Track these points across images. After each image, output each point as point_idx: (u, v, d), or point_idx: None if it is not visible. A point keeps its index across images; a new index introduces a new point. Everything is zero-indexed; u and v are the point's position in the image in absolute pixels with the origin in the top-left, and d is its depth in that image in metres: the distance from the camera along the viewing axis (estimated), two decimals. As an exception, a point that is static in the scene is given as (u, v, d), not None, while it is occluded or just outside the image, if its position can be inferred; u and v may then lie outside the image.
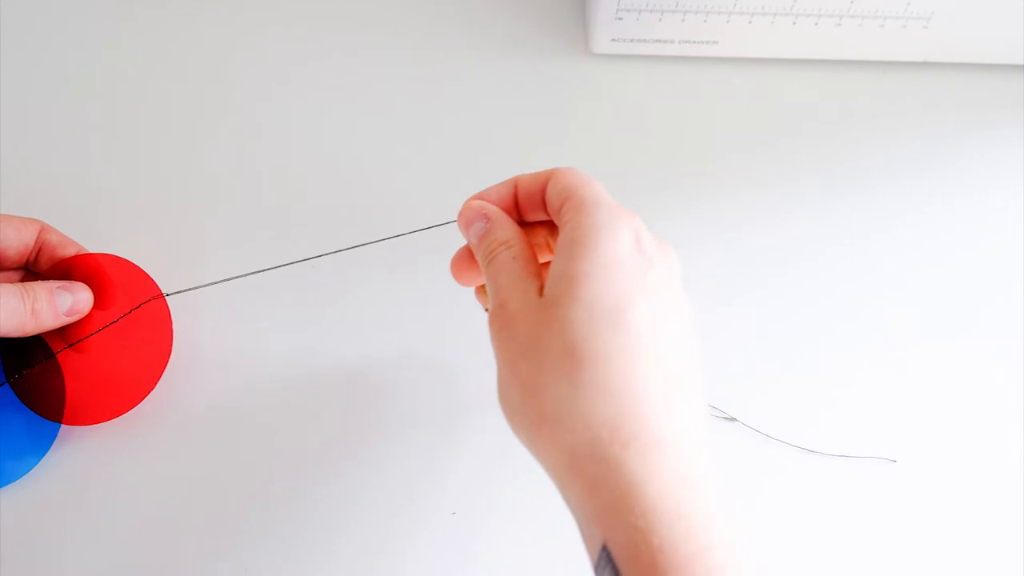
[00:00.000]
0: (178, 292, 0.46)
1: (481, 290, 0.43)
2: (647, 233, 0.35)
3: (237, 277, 0.46)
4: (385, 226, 0.51)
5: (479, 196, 0.39)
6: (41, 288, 0.42)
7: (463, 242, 0.41)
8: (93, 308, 0.44)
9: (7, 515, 0.44)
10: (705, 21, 0.53)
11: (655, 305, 0.33)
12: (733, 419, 0.47)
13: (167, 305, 0.46)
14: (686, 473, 0.31)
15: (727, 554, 0.30)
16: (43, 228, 0.45)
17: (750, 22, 0.53)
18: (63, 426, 0.44)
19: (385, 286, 0.49)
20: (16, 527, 0.44)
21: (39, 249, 0.45)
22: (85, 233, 0.47)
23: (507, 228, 0.37)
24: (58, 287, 0.42)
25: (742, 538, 0.31)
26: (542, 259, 0.39)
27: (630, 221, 0.35)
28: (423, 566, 0.44)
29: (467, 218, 0.38)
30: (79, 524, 0.44)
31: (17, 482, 0.44)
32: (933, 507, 0.46)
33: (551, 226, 0.39)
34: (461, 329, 0.49)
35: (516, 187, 0.39)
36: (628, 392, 0.32)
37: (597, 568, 0.31)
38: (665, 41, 0.54)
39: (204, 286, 0.46)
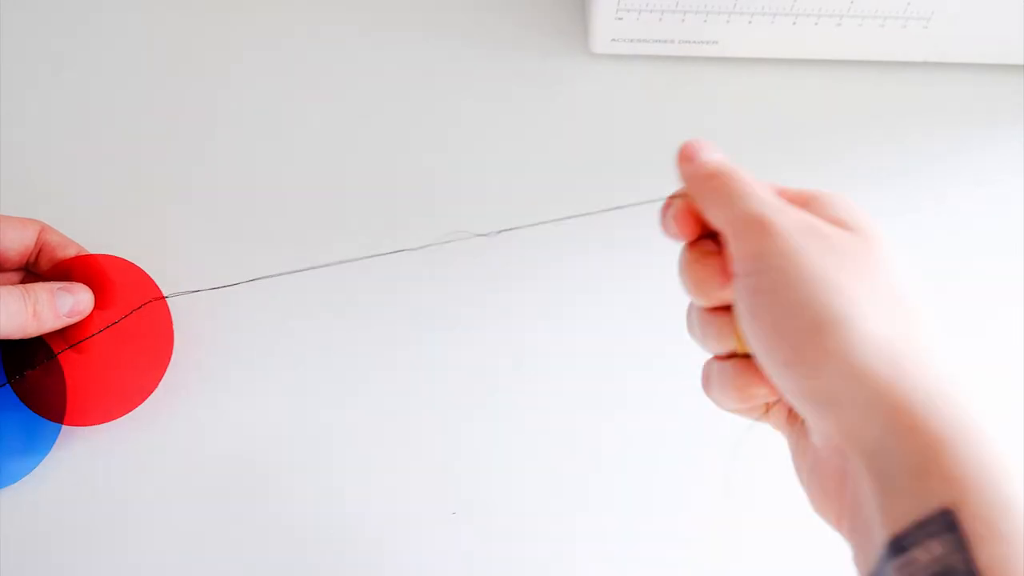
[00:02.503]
0: (179, 294, 0.46)
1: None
2: None
3: (239, 283, 0.46)
4: (385, 226, 0.51)
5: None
6: (42, 290, 0.42)
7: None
8: (94, 309, 0.44)
9: (8, 515, 0.44)
10: (705, 21, 0.53)
11: None
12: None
13: (168, 306, 0.46)
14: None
15: None
16: (43, 229, 0.45)
17: (750, 22, 0.53)
18: (64, 427, 0.44)
19: (386, 286, 0.49)
20: (16, 527, 0.44)
21: (39, 250, 0.45)
22: (85, 234, 0.47)
23: None
24: (59, 288, 0.42)
25: None
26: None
27: None
28: (423, 566, 0.44)
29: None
30: (79, 525, 0.44)
31: (18, 483, 0.44)
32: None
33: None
34: (461, 329, 0.49)
35: None
36: None
37: (906, 544, 0.26)
38: (665, 41, 0.54)
39: (206, 290, 0.46)
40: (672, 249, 0.49)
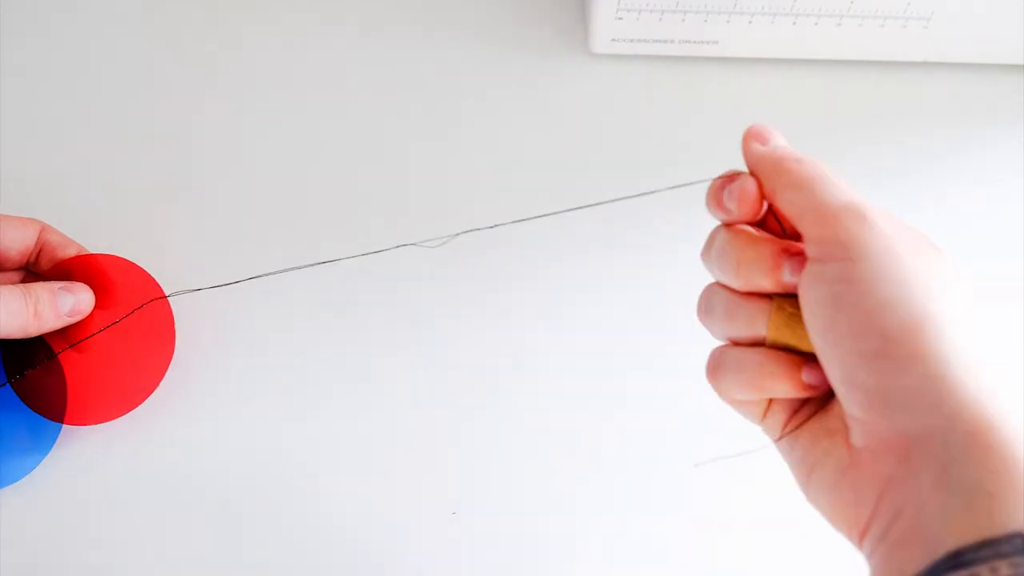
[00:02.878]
0: (181, 292, 0.46)
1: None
2: None
3: (241, 281, 0.46)
4: (384, 226, 0.51)
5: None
6: (43, 289, 0.42)
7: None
8: (95, 308, 0.44)
9: (8, 515, 0.44)
10: (705, 21, 0.53)
11: None
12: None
13: (169, 306, 0.46)
14: None
15: None
16: (44, 228, 0.45)
17: (750, 22, 0.53)
18: (64, 426, 0.44)
19: (386, 285, 0.49)
20: (17, 527, 0.44)
21: (40, 249, 0.45)
22: (86, 233, 0.47)
23: None
24: (60, 288, 0.42)
25: None
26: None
27: None
28: (423, 566, 0.44)
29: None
30: (80, 524, 0.44)
31: (18, 482, 0.44)
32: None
33: None
34: (461, 328, 0.49)
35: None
36: None
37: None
38: (665, 41, 0.54)
39: (207, 288, 0.46)
40: (671, 248, 0.49)
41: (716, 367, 0.34)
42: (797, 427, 0.33)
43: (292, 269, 0.46)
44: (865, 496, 0.30)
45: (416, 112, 0.54)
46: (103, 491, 0.45)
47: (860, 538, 0.30)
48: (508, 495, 0.45)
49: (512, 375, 0.48)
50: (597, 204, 0.41)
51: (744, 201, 0.34)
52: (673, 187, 0.37)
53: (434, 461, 0.46)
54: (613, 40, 0.54)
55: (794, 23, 0.53)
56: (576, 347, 0.48)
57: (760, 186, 0.33)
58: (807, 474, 0.32)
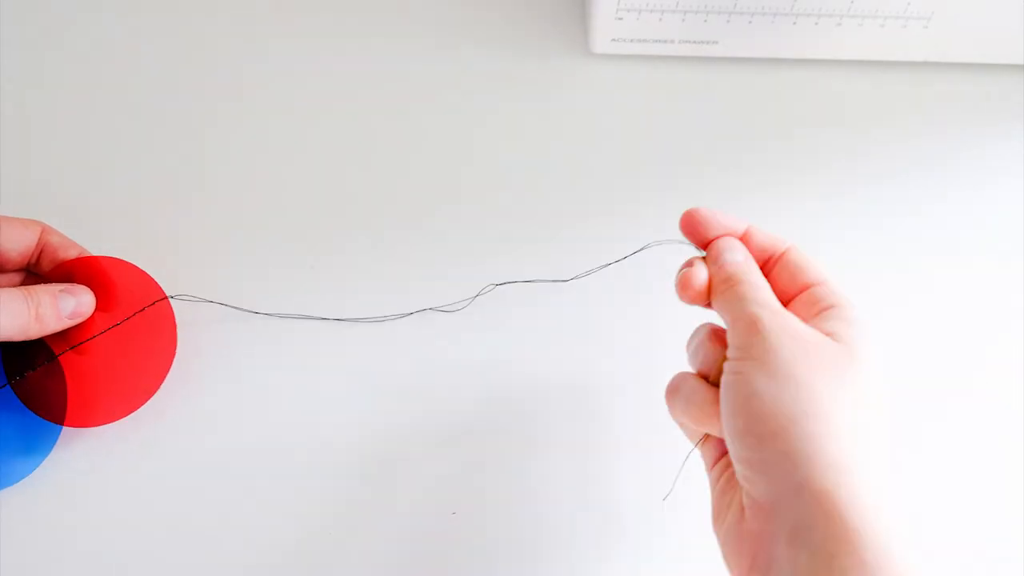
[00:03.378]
0: (183, 297, 0.46)
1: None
2: None
3: (246, 310, 0.46)
4: (384, 225, 0.51)
5: (711, 217, 0.41)
6: (44, 292, 0.42)
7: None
8: (96, 310, 0.44)
9: (8, 517, 0.44)
10: (705, 21, 0.53)
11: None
12: None
13: (171, 308, 0.46)
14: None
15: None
16: (45, 230, 0.45)
17: (750, 22, 0.53)
18: (65, 428, 0.44)
19: (386, 287, 0.49)
20: (17, 529, 0.44)
21: (41, 251, 0.45)
22: (87, 235, 0.47)
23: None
24: (61, 290, 0.42)
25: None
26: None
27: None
28: (423, 566, 0.44)
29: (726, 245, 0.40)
30: (80, 526, 0.44)
31: (18, 484, 0.44)
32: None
33: None
34: (462, 329, 0.49)
35: (746, 234, 0.41)
36: None
37: None
38: (665, 41, 0.54)
39: (211, 302, 0.46)
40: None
41: (673, 390, 0.40)
42: (718, 464, 0.39)
43: (299, 317, 0.47)
44: (745, 548, 0.35)
45: (416, 112, 0.54)
46: (103, 493, 0.45)
47: None
48: (508, 495, 0.45)
49: (513, 375, 0.48)
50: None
51: (691, 298, 0.40)
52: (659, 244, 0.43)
53: (434, 461, 0.46)
54: (613, 40, 0.54)
55: (794, 23, 0.53)
56: (576, 347, 0.49)
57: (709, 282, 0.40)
58: (716, 514, 0.38)
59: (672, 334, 0.43)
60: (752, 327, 0.36)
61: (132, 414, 0.45)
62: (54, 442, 0.44)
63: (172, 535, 0.44)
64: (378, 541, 0.44)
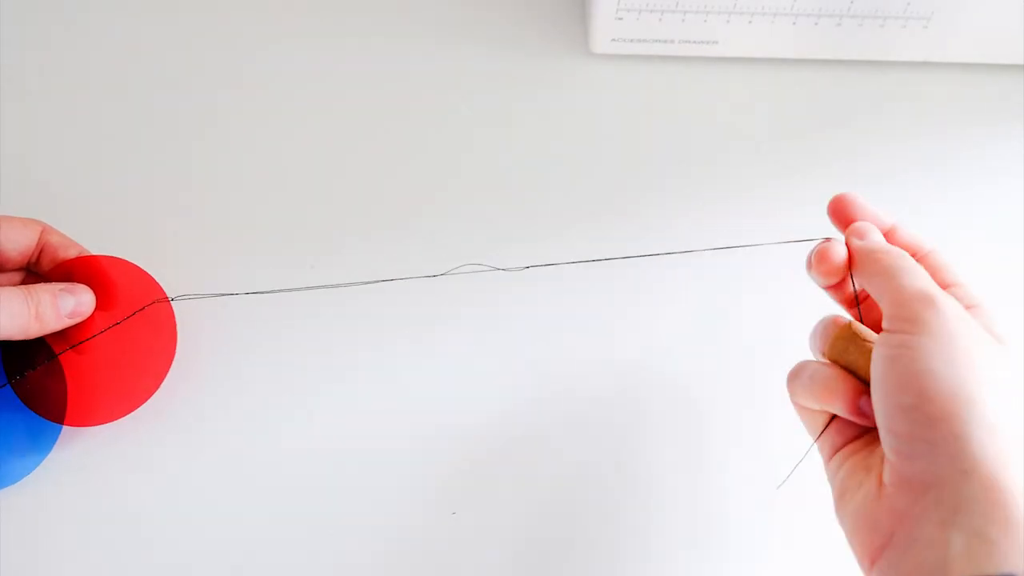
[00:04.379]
0: (184, 297, 0.46)
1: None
2: None
3: (245, 293, 0.46)
4: (383, 225, 0.51)
5: (864, 206, 0.42)
6: (44, 291, 0.42)
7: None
8: (96, 310, 0.44)
9: (8, 516, 0.44)
10: (705, 21, 0.53)
11: None
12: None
13: (171, 308, 0.46)
14: None
15: None
16: (45, 229, 0.45)
17: (750, 22, 0.53)
18: (65, 428, 0.44)
19: (387, 290, 0.49)
20: (17, 528, 0.44)
21: (41, 250, 0.45)
22: (87, 235, 0.47)
23: None
24: (61, 290, 0.42)
25: None
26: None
27: None
28: (423, 566, 0.44)
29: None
30: (80, 526, 0.44)
31: (18, 483, 0.44)
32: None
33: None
34: (463, 332, 0.49)
35: (892, 229, 0.41)
36: None
37: None
38: (665, 41, 0.54)
39: (210, 296, 0.46)
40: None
41: (795, 373, 0.40)
42: (840, 452, 0.39)
43: (294, 289, 0.46)
44: (881, 525, 0.34)
45: (416, 112, 0.54)
46: (103, 492, 0.45)
47: (871, 564, 0.35)
48: (508, 495, 0.45)
49: (513, 377, 0.48)
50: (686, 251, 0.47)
51: (828, 275, 0.40)
52: (778, 242, 0.44)
53: (434, 461, 0.46)
54: (613, 40, 0.54)
55: (794, 23, 0.53)
56: (577, 348, 0.49)
57: (849, 256, 0.40)
58: (840, 496, 0.37)
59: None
60: (927, 300, 0.36)
61: (132, 413, 0.45)
62: (54, 441, 0.44)
63: (172, 535, 0.44)
64: (378, 541, 0.45)
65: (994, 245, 0.52)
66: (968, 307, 0.38)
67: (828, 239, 0.41)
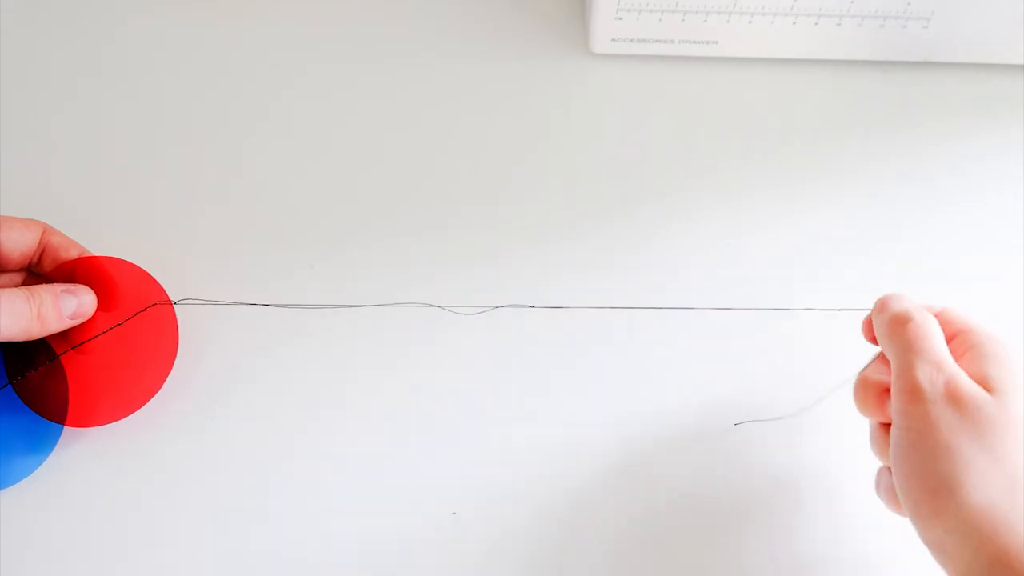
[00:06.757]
0: (186, 302, 0.46)
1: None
2: None
3: (249, 304, 0.46)
4: (384, 225, 0.51)
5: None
6: (46, 292, 0.42)
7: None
8: (97, 311, 0.44)
9: (9, 516, 0.44)
10: (705, 21, 0.53)
11: None
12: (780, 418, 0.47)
13: (173, 310, 0.46)
14: None
15: None
16: (46, 230, 0.45)
17: (750, 22, 0.53)
18: (66, 428, 0.44)
19: (382, 288, 0.50)
20: (18, 528, 0.44)
21: (42, 251, 0.45)
22: (88, 235, 0.47)
23: None
24: (63, 291, 0.42)
25: None
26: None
27: None
28: (423, 566, 0.44)
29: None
30: (81, 526, 0.44)
31: (19, 484, 0.44)
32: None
33: None
34: (463, 335, 0.49)
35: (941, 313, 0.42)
36: None
37: None
38: (665, 41, 0.54)
39: (213, 303, 0.46)
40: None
41: (856, 389, 0.43)
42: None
43: (296, 306, 0.47)
44: None
45: (416, 112, 0.54)
46: (104, 493, 0.45)
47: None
48: (508, 495, 0.46)
49: (513, 378, 0.48)
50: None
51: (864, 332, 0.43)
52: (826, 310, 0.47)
53: (434, 461, 0.46)
54: (613, 40, 0.54)
55: (794, 23, 0.53)
56: (577, 350, 0.49)
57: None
58: None
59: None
60: (913, 394, 0.38)
61: (133, 414, 0.45)
62: (55, 442, 0.44)
63: (172, 535, 0.44)
64: (377, 541, 0.45)
65: (994, 245, 0.52)
66: (966, 351, 0.39)
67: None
